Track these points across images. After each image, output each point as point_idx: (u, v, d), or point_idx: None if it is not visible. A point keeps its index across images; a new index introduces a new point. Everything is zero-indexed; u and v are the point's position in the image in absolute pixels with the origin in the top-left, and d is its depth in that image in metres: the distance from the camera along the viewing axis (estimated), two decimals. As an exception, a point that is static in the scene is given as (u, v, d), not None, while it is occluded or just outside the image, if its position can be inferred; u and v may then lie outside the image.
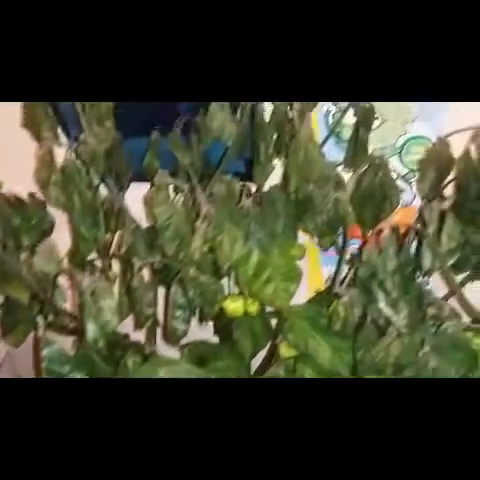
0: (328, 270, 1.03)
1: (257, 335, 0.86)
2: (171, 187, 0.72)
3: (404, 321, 0.62)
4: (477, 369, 0.60)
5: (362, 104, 0.85)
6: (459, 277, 0.77)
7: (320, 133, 0.97)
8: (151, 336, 0.76)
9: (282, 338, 0.79)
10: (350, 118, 0.89)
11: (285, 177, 0.74)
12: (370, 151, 0.94)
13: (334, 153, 0.96)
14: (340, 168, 0.90)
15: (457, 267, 0.75)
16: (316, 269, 1.07)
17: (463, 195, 0.71)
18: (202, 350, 0.89)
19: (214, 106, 0.70)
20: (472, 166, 0.70)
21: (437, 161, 0.73)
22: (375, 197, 0.77)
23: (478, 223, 0.74)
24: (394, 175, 0.98)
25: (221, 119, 0.69)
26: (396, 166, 0.98)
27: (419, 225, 0.66)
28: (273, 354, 0.85)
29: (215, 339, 0.96)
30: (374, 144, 0.97)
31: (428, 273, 0.64)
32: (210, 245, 0.67)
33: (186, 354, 0.86)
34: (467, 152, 0.71)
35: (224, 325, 0.92)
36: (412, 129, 0.95)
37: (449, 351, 0.61)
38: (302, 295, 1.00)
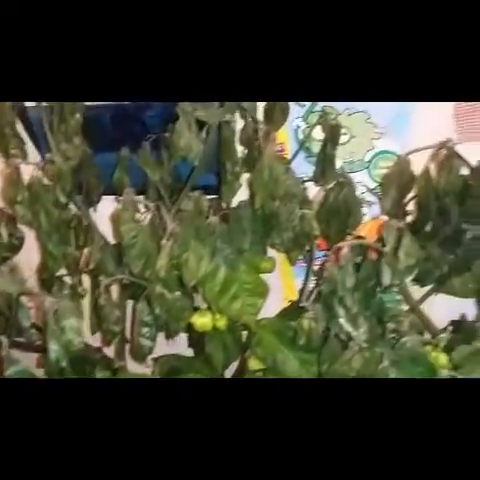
0: (301, 282, 1.05)
1: (228, 348, 0.87)
2: (139, 204, 0.72)
3: (364, 336, 0.63)
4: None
5: (329, 121, 0.87)
6: (423, 290, 0.79)
7: (291, 148, 0.99)
8: (120, 352, 0.76)
9: (251, 352, 0.80)
10: (319, 133, 0.91)
11: (251, 194, 0.76)
12: (340, 165, 0.96)
13: (304, 168, 0.98)
14: (309, 183, 0.92)
15: (420, 281, 0.77)
16: (289, 281, 1.09)
17: (424, 212, 0.73)
18: (174, 363, 0.90)
19: (180, 124, 0.71)
20: (432, 184, 0.72)
21: (398, 179, 0.75)
22: (340, 213, 0.79)
23: (440, 238, 0.77)
24: (362, 189, 1.01)
25: (188, 138, 0.70)
26: (365, 180, 1.01)
27: (379, 243, 0.68)
28: (243, 367, 0.86)
29: (189, 352, 0.97)
30: (343, 158, 1.00)
31: (387, 289, 0.66)
32: (176, 262, 0.67)
33: (158, 367, 0.86)
34: (426, 170, 0.73)
35: (198, 338, 0.92)
36: (379, 144, 0.98)
37: (408, 365, 0.62)
38: (276, 307, 1.02)
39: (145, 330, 0.70)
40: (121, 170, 0.82)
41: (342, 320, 0.64)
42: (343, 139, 0.95)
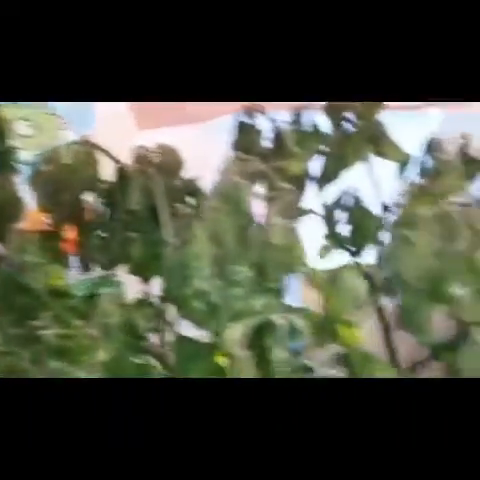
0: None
1: None
2: None
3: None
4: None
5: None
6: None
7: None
8: None
9: None
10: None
11: None
12: (28, 158, 0.94)
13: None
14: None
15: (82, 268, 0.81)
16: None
17: (78, 205, 0.77)
18: None
19: None
20: (81, 178, 0.76)
21: (49, 173, 0.77)
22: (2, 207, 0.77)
23: (103, 227, 0.81)
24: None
25: None
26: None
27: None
28: None
29: None
30: (31, 151, 0.98)
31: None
32: None
33: None
34: (67, 165, 0.76)
35: None
36: (65, 135, 0.99)
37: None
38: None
39: None
40: None
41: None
42: (28, 132, 0.95)
